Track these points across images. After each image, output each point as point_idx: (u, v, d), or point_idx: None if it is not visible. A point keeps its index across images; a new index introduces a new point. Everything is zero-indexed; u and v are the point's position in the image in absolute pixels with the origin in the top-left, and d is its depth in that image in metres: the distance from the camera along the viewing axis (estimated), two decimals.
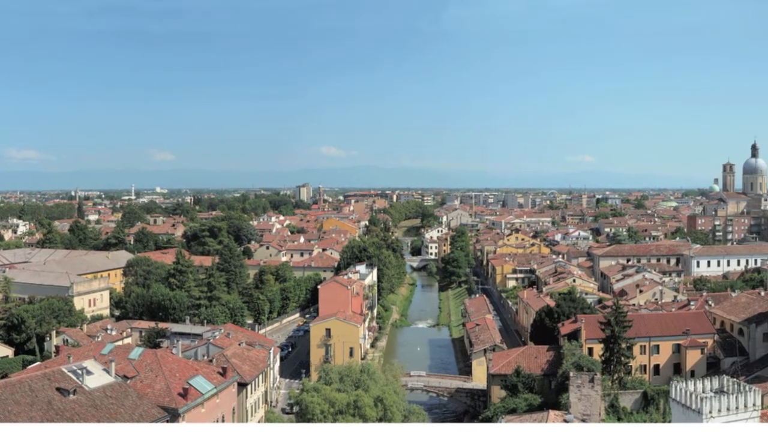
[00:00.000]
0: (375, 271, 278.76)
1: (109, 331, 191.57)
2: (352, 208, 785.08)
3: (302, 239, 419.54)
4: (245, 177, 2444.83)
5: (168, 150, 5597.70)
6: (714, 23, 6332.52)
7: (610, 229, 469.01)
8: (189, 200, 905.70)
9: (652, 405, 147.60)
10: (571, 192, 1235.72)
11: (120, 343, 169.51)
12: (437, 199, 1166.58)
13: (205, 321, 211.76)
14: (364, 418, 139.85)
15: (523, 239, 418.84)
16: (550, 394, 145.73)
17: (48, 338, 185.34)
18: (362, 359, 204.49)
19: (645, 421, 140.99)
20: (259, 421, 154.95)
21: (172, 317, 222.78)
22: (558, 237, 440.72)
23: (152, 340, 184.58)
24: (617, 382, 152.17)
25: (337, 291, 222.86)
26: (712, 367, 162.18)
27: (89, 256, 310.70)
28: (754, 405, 72.39)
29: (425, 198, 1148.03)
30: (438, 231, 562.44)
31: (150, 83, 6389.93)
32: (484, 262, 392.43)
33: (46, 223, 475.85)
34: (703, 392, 74.86)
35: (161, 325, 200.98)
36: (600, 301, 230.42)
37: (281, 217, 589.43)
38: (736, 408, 71.51)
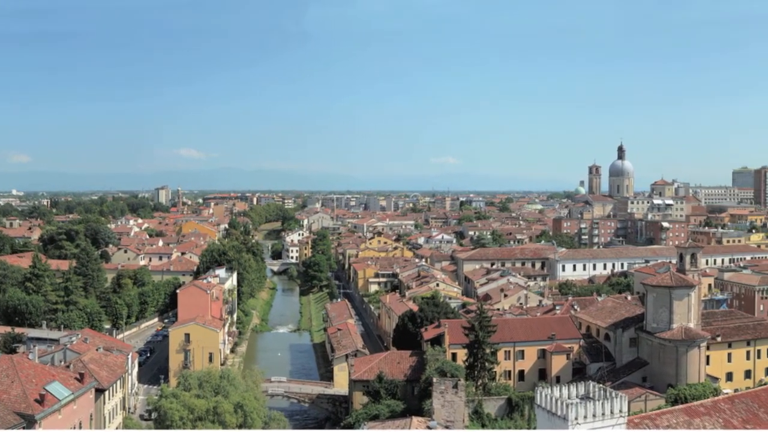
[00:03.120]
0: (235, 275, 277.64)
1: None
2: (211, 211, 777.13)
3: (161, 243, 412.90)
4: (103, 179, 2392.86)
5: (24, 152, 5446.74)
6: (579, 25, 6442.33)
7: (474, 233, 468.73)
8: (46, 203, 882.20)
9: (516, 411, 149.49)
10: (434, 194, 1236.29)
11: None
12: (298, 202, 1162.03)
13: (62, 326, 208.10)
14: (224, 425, 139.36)
15: (385, 243, 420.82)
16: (413, 400, 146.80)
17: None
18: (222, 365, 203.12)
19: (509, 428, 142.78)
20: (117, 428, 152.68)
21: (28, 322, 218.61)
22: (421, 240, 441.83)
23: (8, 346, 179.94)
24: (481, 388, 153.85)
25: (197, 295, 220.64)
26: (578, 373, 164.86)
27: None
28: (620, 411, 73.15)
29: (286, 201, 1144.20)
30: (299, 234, 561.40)
31: (1, 84, 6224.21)
32: (346, 266, 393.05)
33: None
34: (569, 398, 75.21)
35: (17, 330, 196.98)
36: (464, 305, 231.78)
37: (139, 220, 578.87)
38: (602, 414, 72.06)
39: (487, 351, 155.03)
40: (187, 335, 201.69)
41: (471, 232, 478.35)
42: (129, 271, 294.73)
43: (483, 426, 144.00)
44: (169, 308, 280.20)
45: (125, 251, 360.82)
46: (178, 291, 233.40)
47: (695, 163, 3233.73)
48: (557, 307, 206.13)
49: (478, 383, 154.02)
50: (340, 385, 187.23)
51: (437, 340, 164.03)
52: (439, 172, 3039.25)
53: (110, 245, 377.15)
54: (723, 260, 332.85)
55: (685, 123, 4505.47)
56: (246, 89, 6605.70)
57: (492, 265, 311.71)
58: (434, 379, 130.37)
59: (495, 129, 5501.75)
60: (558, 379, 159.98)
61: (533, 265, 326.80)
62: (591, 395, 76.59)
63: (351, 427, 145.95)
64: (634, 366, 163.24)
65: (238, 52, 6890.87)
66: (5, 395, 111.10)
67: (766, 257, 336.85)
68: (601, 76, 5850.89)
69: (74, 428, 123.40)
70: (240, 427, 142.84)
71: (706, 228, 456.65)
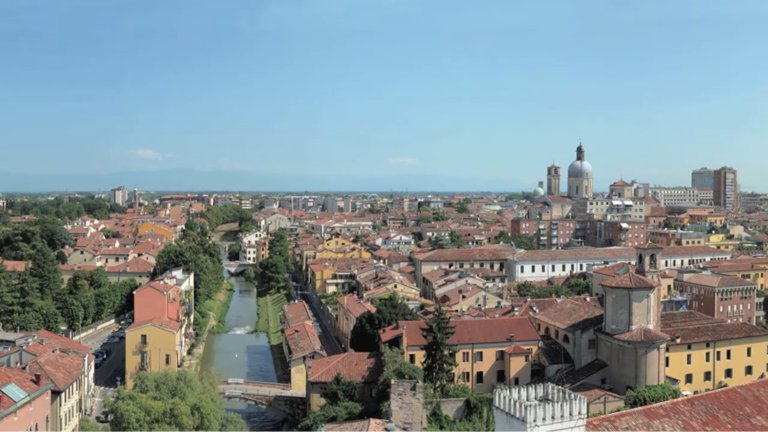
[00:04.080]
0: (192, 276, 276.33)
1: None
2: (168, 212, 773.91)
3: (117, 244, 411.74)
4: (59, 180, 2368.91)
5: None
6: (537, 24, 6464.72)
7: (433, 234, 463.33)
8: (1, 204, 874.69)
9: (475, 413, 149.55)
10: (392, 195, 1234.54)
11: None
12: (256, 202, 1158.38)
13: (18, 327, 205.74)
14: (181, 427, 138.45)
15: (343, 244, 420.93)
16: (371, 402, 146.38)
17: None
18: (179, 366, 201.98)
19: (468, 430, 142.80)
20: (73, 430, 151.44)
21: None
22: (379, 241, 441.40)
23: None
24: (440, 390, 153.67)
25: (153, 297, 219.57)
26: (537, 375, 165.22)
27: None
28: (579, 413, 72.66)
29: (243, 202, 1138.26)
30: (256, 235, 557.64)
31: None
32: (304, 267, 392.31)
33: None
34: (528, 400, 74.65)
35: None
36: (422, 306, 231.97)
37: (96, 221, 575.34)
38: (561, 416, 71.44)
39: (446, 353, 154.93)
40: (144, 337, 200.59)
41: (429, 233, 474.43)
42: (85, 273, 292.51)
43: (441, 428, 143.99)
44: (125, 310, 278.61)
45: (82, 252, 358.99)
46: (134, 292, 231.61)
47: (654, 164, 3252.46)
48: (516, 309, 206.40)
49: (437, 385, 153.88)
50: (297, 387, 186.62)
51: (395, 342, 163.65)
52: (397, 173, 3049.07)
53: (66, 246, 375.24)
54: (682, 261, 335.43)
55: (645, 123, 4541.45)
56: (202, 89, 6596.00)
57: (450, 266, 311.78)
58: (392, 381, 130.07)
59: (453, 130, 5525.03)
60: (516, 381, 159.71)
61: (492, 267, 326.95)
62: (550, 397, 76.02)
63: (308, 429, 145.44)
64: (593, 368, 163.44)
65: (194, 52, 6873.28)
66: None
67: (725, 258, 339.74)
68: (559, 77, 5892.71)
69: (30, 430, 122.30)
70: (197, 429, 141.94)
71: (666, 229, 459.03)
